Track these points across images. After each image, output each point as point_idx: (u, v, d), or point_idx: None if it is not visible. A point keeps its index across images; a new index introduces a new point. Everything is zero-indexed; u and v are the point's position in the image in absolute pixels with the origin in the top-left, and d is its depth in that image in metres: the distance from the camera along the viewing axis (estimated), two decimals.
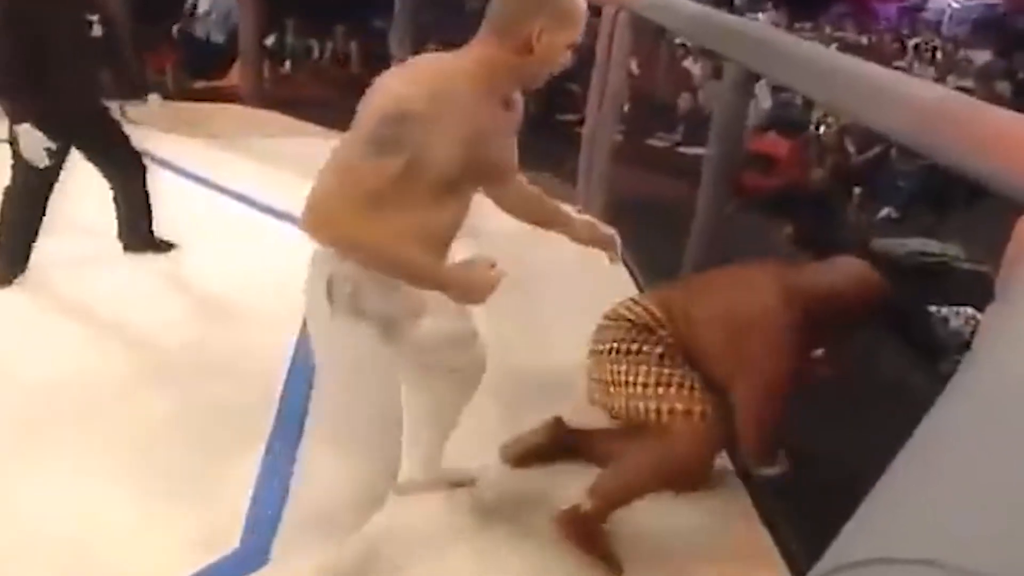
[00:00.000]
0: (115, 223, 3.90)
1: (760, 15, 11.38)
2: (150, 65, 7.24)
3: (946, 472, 0.58)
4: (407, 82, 1.66)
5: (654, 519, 2.48)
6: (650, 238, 3.32)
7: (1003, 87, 7.93)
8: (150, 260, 3.90)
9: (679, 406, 2.18)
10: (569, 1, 1.73)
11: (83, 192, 3.79)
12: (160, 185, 4.30)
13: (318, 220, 1.63)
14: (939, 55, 9.92)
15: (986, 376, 0.75)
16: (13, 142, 3.39)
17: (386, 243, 1.68)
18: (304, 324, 3.28)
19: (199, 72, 7.61)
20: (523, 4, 1.70)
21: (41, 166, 3.34)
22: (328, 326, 1.78)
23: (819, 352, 2.39)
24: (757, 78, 3.62)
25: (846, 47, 9.71)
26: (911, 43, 10.56)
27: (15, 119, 3.31)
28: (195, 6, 8.18)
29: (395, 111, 1.62)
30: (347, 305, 1.74)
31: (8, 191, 3.53)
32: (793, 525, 2.47)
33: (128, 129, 3.72)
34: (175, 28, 8.14)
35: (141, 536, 2.23)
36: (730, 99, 3.48)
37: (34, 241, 3.59)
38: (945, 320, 3.98)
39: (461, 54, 1.74)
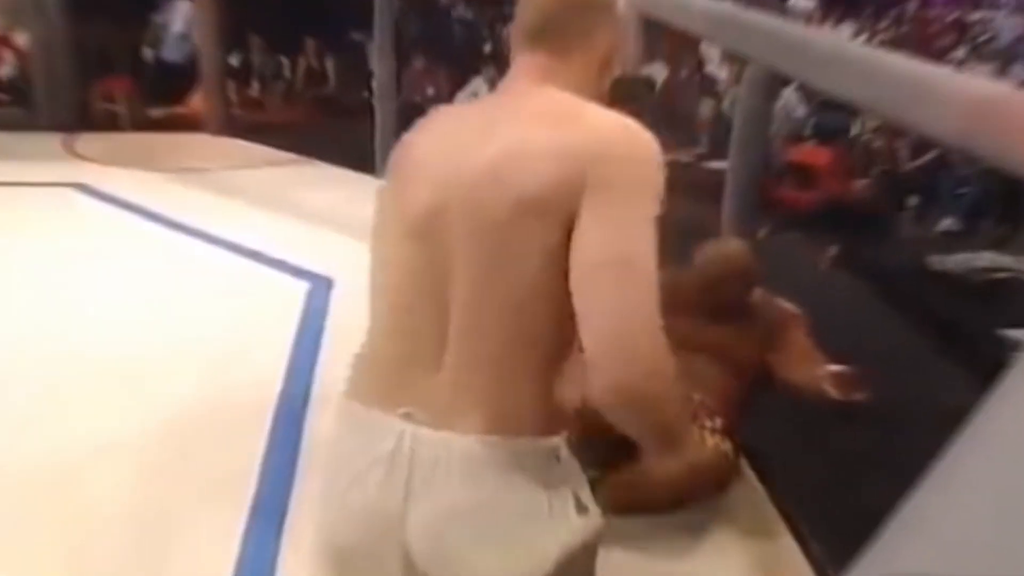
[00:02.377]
0: None
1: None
2: (99, 93, 7.35)
3: (986, 487, 0.63)
4: (621, 121, 1.30)
5: (676, 527, 2.59)
6: (675, 261, 3.39)
7: None
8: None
9: None
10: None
11: None
12: (120, 227, 4.39)
13: (645, 368, 1.17)
14: (999, 42, 10.00)
15: None
16: None
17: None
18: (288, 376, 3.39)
19: (155, 98, 7.71)
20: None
21: None
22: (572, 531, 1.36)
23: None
24: (785, 82, 3.70)
25: (892, 37, 9.80)
26: (967, 27, 10.63)
27: None
28: (162, 27, 8.18)
29: (658, 158, 1.29)
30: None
31: None
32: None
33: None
34: (147, 51, 8.12)
35: None
36: (750, 103, 3.57)
37: None
38: (1020, 344, 4.00)
39: (565, 87, 1.35)
